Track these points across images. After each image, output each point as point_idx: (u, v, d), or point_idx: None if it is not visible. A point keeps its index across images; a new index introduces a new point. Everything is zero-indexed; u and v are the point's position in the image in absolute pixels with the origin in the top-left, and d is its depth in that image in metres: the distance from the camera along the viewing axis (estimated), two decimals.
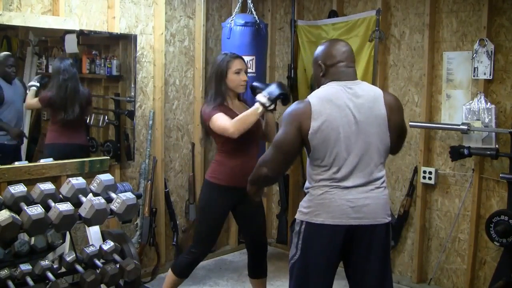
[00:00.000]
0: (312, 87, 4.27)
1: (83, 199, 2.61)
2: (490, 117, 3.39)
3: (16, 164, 3.19)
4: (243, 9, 4.01)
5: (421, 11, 3.78)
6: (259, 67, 3.85)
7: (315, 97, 2.23)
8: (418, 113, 3.85)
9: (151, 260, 4.02)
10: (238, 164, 2.92)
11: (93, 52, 3.71)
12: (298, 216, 2.30)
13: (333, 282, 2.31)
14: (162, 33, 3.89)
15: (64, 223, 2.45)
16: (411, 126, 3.78)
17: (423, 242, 3.87)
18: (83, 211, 2.55)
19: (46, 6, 3.29)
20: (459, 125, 3.46)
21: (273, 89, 2.80)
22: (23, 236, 2.90)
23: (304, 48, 4.37)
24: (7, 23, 3.05)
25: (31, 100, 3.46)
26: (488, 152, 3.38)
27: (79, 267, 2.68)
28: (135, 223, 3.86)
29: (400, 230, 3.96)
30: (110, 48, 3.80)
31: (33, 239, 2.87)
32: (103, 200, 2.59)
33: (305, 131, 2.18)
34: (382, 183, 2.27)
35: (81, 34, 3.48)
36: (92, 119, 3.79)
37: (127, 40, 3.75)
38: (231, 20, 3.79)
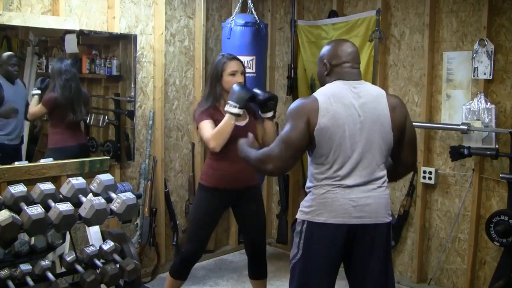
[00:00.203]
0: (312, 87, 4.28)
1: (83, 199, 2.62)
2: (490, 117, 3.39)
3: (16, 164, 3.18)
4: (243, 9, 4.01)
5: (421, 11, 3.78)
6: (259, 67, 3.85)
7: (321, 94, 2.23)
8: (418, 113, 3.85)
9: (151, 260, 4.02)
10: (227, 168, 2.92)
11: (93, 52, 3.71)
12: (299, 216, 2.30)
13: (335, 282, 2.31)
14: (162, 33, 3.89)
15: (64, 223, 2.45)
16: None
17: (423, 242, 3.87)
18: (83, 211, 2.55)
19: (46, 6, 3.29)
20: (459, 125, 3.46)
21: (238, 94, 2.75)
22: (23, 236, 2.90)
23: (304, 48, 4.37)
24: (7, 23, 3.05)
25: (34, 107, 3.45)
26: (488, 152, 3.38)
27: (79, 267, 2.68)
28: (135, 223, 3.86)
29: (400, 230, 3.96)
30: (110, 48, 3.80)
31: (33, 239, 2.88)
32: (103, 200, 2.59)
33: (312, 127, 2.18)
34: (384, 182, 2.27)
35: (81, 34, 3.48)
36: (92, 119, 3.79)
37: (127, 40, 3.75)
38: (231, 20, 3.80)
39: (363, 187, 2.21)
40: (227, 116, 2.76)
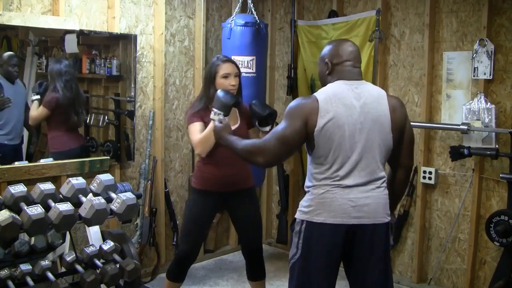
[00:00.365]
0: (312, 87, 4.28)
1: (83, 199, 2.62)
2: (490, 117, 3.39)
3: (16, 164, 3.19)
4: (243, 9, 4.01)
5: (421, 11, 3.78)
6: (259, 67, 3.85)
7: (322, 94, 2.23)
8: (418, 113, 3.85)
9: (151, 260, 4.02)
10: (215, 172, 2.93)
11: (93, 52, 3.71)
12: (298, 216, 2.30)
13: (335, 282, 2.31)
14: (162, 33, 3.89)
15: (64, 223, 2.45)
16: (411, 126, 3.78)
17: (423, 242, 3.87)
18: (83, 211, 2.55)
19: (46, 6, 3.29)
20: (459, 125, 3.46)
21: (221, 101, 2.73)
22: (23, 236, 2.90)
23: (304, 48, 4.37)
24: (7, 23, 3.05)
25: (35, 111, 3.44)
26: (488, 152, 3.38)
27: (79, 267, 2.68)
28: (135, 223, 3.86)
29: (400, 230, 3.96)
30: (110, 48, 3.80)
31: (33, 239, 2.88)
32: (103, 200, 2.59)
33: (311, 128, 2.18)
34: (383, 183, 2.28)
35: (81, 34, 3.48)
36: (92, 119, 3.79)
37: (127, 40, 3.75)
38: (231, 20, 3.80)
39: (363, 187, 2.21)
40: (211, 123, 2.75)
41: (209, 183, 2.95)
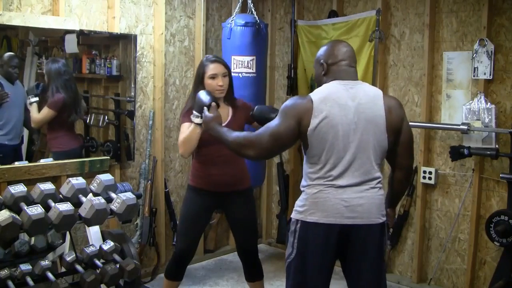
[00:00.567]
0: (312, 87, 4.28)
1: (83, 199, 2.62)
2: (490, 117, 3.39)
3: (16, 164, 3.19)
4: (243, 9, 4.01)
5: (421, 11, 3.78)
6: (259, 67, 3.86)
7: (317, 94, 2.23)
8: (418, 113, 3.85)
9: (151, 260, 4.02)
10: (206, 172, 2.93)
11: (93, 52, 3.71)
12: (293, 215, 2.31)
13: (330, 281, 2.31)
14: (162, 33, 3.89)
15: (64, 223, 2.45)
16: (411, 126, 3.76)
17: (423, 242, 3.87)
18: (83, 211, 2.55)
19: (46, 6, 3.29)
20: (459, 125, 3.46)
21: (199, 103, 2.71)
22: (23, 236, 2.90)
23: (304, 48, 4.37)
24: (7, 23, 3.05)
25: (38, 114, 3.42)
26: (488, 152, 3.38)
27: (79, 267, 2.68)
28: (135, 223, 3.86)
29: (400, 230, 3.96)
30: (110, 48, 3.80)
31: (33, 239, 2.88)
32: (103, 200, 2.59)
33: (305, 128, 2.19)
34: (378, 183, 2.27)
35: (81, 34, 3.48)
36: (92, 119, 3.79)
37: (127, 40, 3.75)
38: (231, 20, 3.80)
39: (356, 188, 2.21)
40: (192, 125, 2.74)
41: (202, 182, 2.95)
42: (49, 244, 2.99)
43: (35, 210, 2.39)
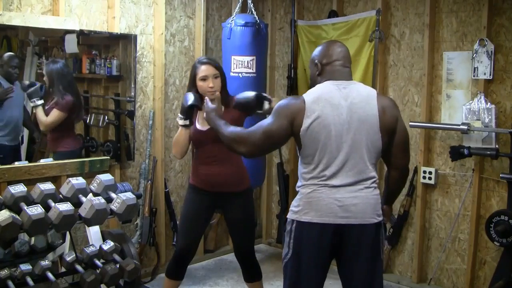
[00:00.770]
0: (311, 87, 4.28)
1: (83, 199, 2.62)
2: (490, 117, 3.39)
3: (16, 164, 3.18)
4: (243, 9, 4.01)
5: (421, 11, 3.78)
6: (259, 67, 3.85)
7: (309, 95, 2.24)
8: (418, 113, 3.85)
9: (151, 260, 4.02)
10: (202, 171, 2.94)
11: (93, 52, 3.71)
12: (289, 215, 2.32)
13: (324, 280, 2.32)
14: (162, 33, 3.89)
15: (64, 223, 2.45)
16: (411, 126, 3.78)
17: (423, 242, 3.87)
18: (83, 211, 2.55)
19: (46, 6, 3.29)
20: (459, 125, 3.46)
21: (182, 105, 2.79)
22: (23, 236, 2.90)
23: (304, 48, 4.37)
24: (7, 23, 3.05)
25: (49, 117, 3.39)
26: (488, 152, 3.38)
27: (79, 267, 2.68)
28: (135, 223, 3.86)
29: (400, 230, 3.96)
30: (110, 48, 3.80)
31: (33, 239, 2.88)
32: (103, 200, 2.59)
33: (297, 128, 2.20)
34: (372, 183, 2.27)
35: (81, 34, 3.48)
36: (92, 119, 3.79)
37: (127, 40, 3.75)
38: (231, 20, 3.80)
39: (350, 187, 2.22)
40: (180, 128, 2.83)
41: (200, 181, 2.96)
42: (49, 244, 3.00)
43: (35, 210, 2.39)
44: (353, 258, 2.25)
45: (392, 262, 4.06)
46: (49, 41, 3.56)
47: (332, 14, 4.19)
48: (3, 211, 2.38)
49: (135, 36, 3.74)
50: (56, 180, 3.25)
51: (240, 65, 3.78)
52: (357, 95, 2.24)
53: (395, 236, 3.96)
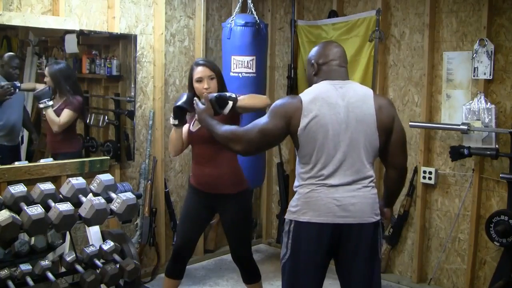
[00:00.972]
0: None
1: (83, 199, 2.62)
2: (490, 117, 3.39)
3: (16, 164, 3.18)
4: (243, 9, 4.01)
5: (421, 11, 3.78)
6: (259, 67, 3.85)
7: (306, 94, 2.24)
8: (418, 113, 3.85)
9: (151, 260, 4.02)
10: (197, 171, 2.95)
11: (93, 52, 3.71)
12: (287, 216, 2.31)
13: (323, 280, 2.31)
14: (162, 33, 3.89)
15: (64, 223, 2.45)
16: (411, 126, 3.78)
17: (423, 242, 3.87)
18: (83, 211, 2.55)
19: (46, 6, 3.29)
20: (459, 125, 3.46)
21: (173, 106, 2.81)
22: (23, 236, 2.90)
23: (304, 48, 4.37)
24: (7, 23, 3.05)
25: (62, 118, 3.40)
26: (488, 152, 3.38)
27: (79, 267, 2.68)
28: (135, 223, 3.86)
29: (400, 230, 3.96)
30: (110, 48, 3.80)
31: (33, 239, 2.88)
32: (103, 200, 2.59)
33: (295, 128, 2.20)
34: (370, 182, 2.27)
35: (81, 34, 3.48)
36: (92, 119, 3.79)
37: (127, 40, 3.75)
38: (231, 20, 3.80)
39: (348, 187, 2.22)
40: (173, 128, 2.87)
41: (196, 181, 2.97)
42: (49, 244, 3.00)
43: (35, 210, 2.39)
44: (352, 258, 2.25)
45: (392, 262, 4.06)
46: (49, 41, 3.56)
47: (332, 14, 4.19)
48: (3, 211, 2.38)
49: (135, 36, 3.74)
50: (56, 180, 3.25)
51: (240, 65, 3.78)
52: (354, 95, 2.24)
53: (395, 236, 3.96)
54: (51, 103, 3.38)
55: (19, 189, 2.51)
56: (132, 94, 3.78)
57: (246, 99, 2.76)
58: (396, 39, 3.94)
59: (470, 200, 3.60)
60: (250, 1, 3.90)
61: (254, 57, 3.79)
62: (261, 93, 3.95)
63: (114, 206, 2.66)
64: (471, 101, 3.49)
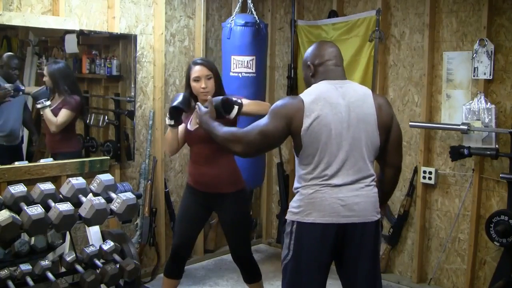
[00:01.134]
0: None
1: (83, 199, 2.62)
2: (490, 117, 3.39)
3: (16, 164, 3.18)
4: (243, 9, 4.01)
5: (421, 11, 3.78)
6: (259, 67, 3.85)
7: (307, 95, 2.24)
8: (418, 113, 3.85)
9: (151, 260, 4.02)
10: (192, 170, 2.96)
11: (93, 52, 3.71)
12: (288, 217, 2.30)
13: (326, 281, 2.31)
14: (162, 33, 3.89)
15: (64, 223, 2.45)
16: (411, 126, 3.78)
17: (423, 242, 3.87)
18: (83, 211, 2.55)
19: (46, 6, 3.29)
20: (459, 125, 3.46)
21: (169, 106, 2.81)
22: (23, 236, 2.90)
23: (304, 48, 4.36)
24: (7, 23, 3.05)
25: (59, 117, 3.39)
26: (488, 152, 3.38)
27: (79, 267, 2.68)
28: (135, 223, 3.86)
29: (400, 230, 3.96)
30: (110, 48, 3.80)
31: (33, 239, 2.88)
32: (103, 200, 2.59)
33: (297, 129, 2.19)
34: (372, 181, 2.28)
35: (81, 34, 3.48)
36: (92, 119, 3.79)
37: (127, 40, 3.75)
38: (231, 20, 3.80)
39: (351, 186, 2.22)
40: (168, 129, 2.88)
41: (193, 180, 2.97)
42: (49, 244, 3.00)
43: (35, 210, 2.39)
44: (357, 257, 2.25)
45: (392, 262, 4.06)
46: (49, 41, 3.56)
47: (332, 14, 4.19)
48: (3, 211, 2.38)
49: (135, 36, 3.74)
50: (56, 180, 3.25)
51: (240, 65, 3.78)
52: (354, 94, 2.25)
53: (395, 236, 3.96)
54: (48, 103, 3.37)
55: (19, 189, 2.51)
56: (132, 94, 3.78)
57: (251, 105, 2.78)
58: (396, 39, 3.94)
59: (470, 200, 3.60)
60: (250, 1, 3.90)
61: (254, 57, 3.79)
62: (261, 93, 3.97)
63: (114, 206, 2.66)
64: (471, 101, 3.49)
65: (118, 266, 2.71)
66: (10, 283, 2.50)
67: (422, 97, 3.79)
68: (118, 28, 3.63)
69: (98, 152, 3.78)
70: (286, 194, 4.55)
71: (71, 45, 3.49)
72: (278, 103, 2.27)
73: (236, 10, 3.98)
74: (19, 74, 3.39)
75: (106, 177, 2.78)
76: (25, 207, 2.41)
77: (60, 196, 2.65)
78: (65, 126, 3.46)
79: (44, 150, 3.60)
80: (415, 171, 3.84)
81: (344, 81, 2.30)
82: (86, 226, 2.92)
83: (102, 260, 2.77)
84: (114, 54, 3.78)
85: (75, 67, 3.65)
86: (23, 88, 3.32)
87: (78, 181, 2.68)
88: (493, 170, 3.51)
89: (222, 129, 2.34)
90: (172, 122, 2.81)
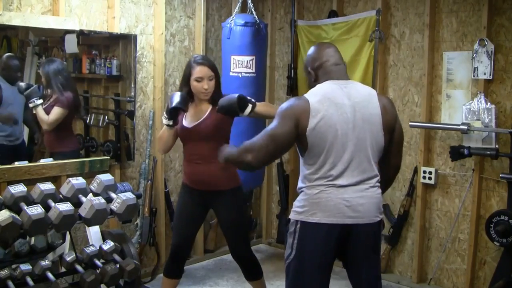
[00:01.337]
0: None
1: (83, 199, 2.62)
2: (490, 117, 3.39)
3: (16, 164, 3.18)
4: (243, 9, 4.01)
5: (421, 11, 3.78)
6: (259, 67, 3.85)
7: (312, 95, 2.24)
8: (418, 113, 3.85)
9: (151, 260, 4.02)
10: (187, 168, 2.97)
11: (93, 52, 3.71)
12: (292, 216, 2.30)
13: (329, 280, 2.32)
14: (162, 33, 3.89)
15: (64, 223, 2.45)
16: (411, 126, 3.78)
17: (423, 242, 3.87)
18: (83, 211, 2.55)
19: (46, 6, 3.29)
20: (459, 125, 3.46)
21: (168, 104, 2.79)
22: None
23: (304, 48, 4.37)
24: (7, 23, 3.05)
25: (50, 115, 3.37)
26: (488, 152, 3.38)
27: (79, 267, 2.68)
28: (135, 223, 3.86)
29: (400, 230, 3.96)
30: (110, 48, 3.80)
31: (33, 239, 2.88)
32: (103, 200, 2.59)
33: (303, 129, 2.19)
34: (377, 182, 2.29)
35: (81, 34, 3.48)
36: (92, 119, 3.79)
37: (127, 40, 3.75)
38: (231, 20, 3.80)
39: (356, 187, 2.22)
40: (164, 127, 2.88)
41: (188, 179, 2.97)
42: (49, 244, 3.00)
43: (35, 210, 2.40)
44: (360, 257, 2.27)
45: (392, 262, 4.06)
46: (49, 41, 3.56)
47: (332, 14, 4.19)
48: (3, 211, 2.38)
49: (135, 36, 3.74)
50: (56, 180, 3.25)
51: (240, 65, 3.78)
52: (358, 94, 2.25)
53: (395, 236, 3.96)
54: (40, 101, 3.34)
55: (19, 189, 2.51)
56: (132, 94, 3.78)
57: (262, 106, 2.83)
58: (396, 39, 3.94)
59: (470, 200, 3.60)
60: (250, 1, 3.90)
61: (254, 57, 3.79)
62: (261, 93, 3.97)
63: (114, 206, 2.66)
64: (471, 101, 3.49)
65: (118, 266, 2.71)
66: (10, 283, 2.50)
67: (422, 97, 3.79)
68: (118, 28, 3.63)
69: (98, 152, 3.78)
70: (286, 194, 4.55)
71: (71, 45, 3.49)
72: (284, 105, 2.26)
73: (236, 10, 3.98)
74: (20, 75, 3.38)
75: (106, 177, 2.78)
76: (25, 207, 2.42)
77: (60, 196, 2.65)
78: (60, 124, 3.44)
79: (44, 150, 3.60)
80: (415, 171, 3.84)
81: (347, 81, 2.30)
82: (86, 226, 2.92)
83: (102, 260, 2.77)
84: (114, 54, 3.78)
85: (75, 67, 3.65)
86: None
87: (78, 181, 2.69)
88: (493, 170, 3.51)
89: (233, 148, 2.34)
90: (171, 123, 2.81)
